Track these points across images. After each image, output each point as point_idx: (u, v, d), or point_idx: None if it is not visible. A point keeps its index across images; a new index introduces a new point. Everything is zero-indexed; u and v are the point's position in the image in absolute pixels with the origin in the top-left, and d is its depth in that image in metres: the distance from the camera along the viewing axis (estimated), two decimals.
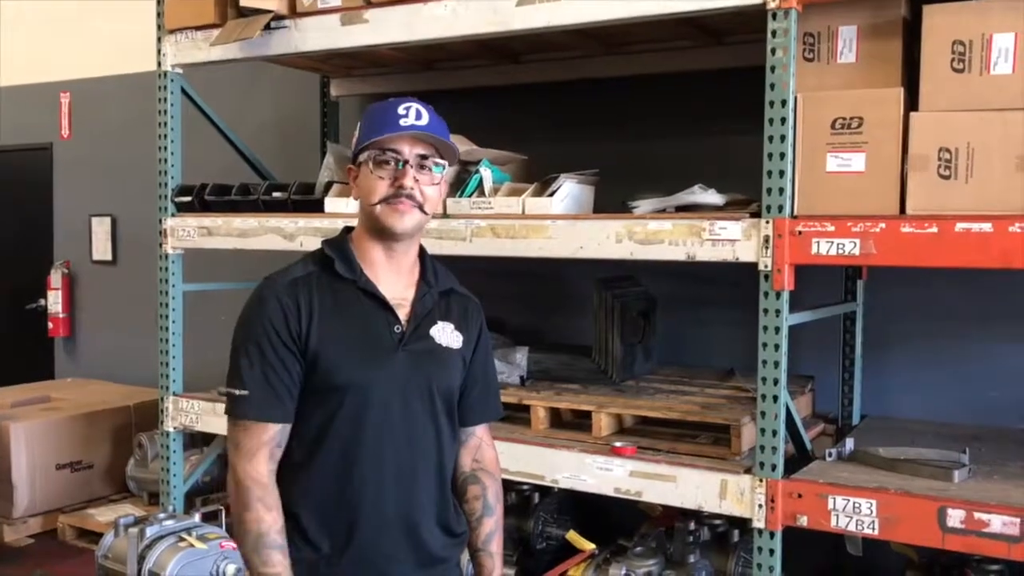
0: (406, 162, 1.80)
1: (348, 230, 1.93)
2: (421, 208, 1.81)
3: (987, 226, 2.29)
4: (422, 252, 1.95)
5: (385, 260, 1.86)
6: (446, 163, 1.86)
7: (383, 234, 1.83)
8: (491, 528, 1.98)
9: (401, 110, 1.82)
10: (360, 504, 1.79)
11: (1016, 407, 3.17)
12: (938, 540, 2.36)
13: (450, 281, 1.96)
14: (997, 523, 2.28)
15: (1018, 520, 2.26)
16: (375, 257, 1.86)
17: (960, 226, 2.32)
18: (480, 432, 2.01)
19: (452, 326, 1.91)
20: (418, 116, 1.82)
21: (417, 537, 1.84)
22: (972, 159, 2.38)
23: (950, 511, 2.33)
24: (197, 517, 3.46)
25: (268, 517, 1.73)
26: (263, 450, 1.76)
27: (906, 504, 2.39)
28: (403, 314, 1.86)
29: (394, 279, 1.87)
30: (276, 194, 3.55)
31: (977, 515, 2.30)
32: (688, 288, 3.70)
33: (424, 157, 1.82)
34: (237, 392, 1.78)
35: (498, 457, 2.05)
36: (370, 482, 1.79)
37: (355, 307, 1.82)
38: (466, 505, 1.99)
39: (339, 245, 1.88)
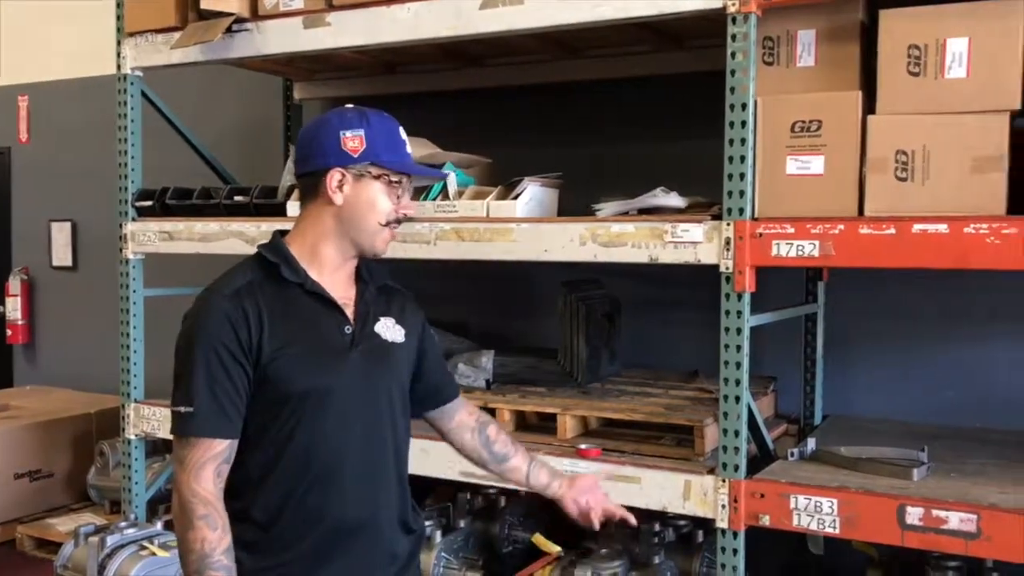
0: (407, 191, 1.89)
1: (281, 233, 1.91)
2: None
3: (943, 227, 2.32)
4: None
5: (338, 266, 1.87)
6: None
7: (360, 250, 1.87)
8: (523, 451, 2.18)
9: (402, 135, 1.89)
10: (323, 509, 1.79)
11: (974, 406, 3.22)
12: (898, 538, 2.39)
13: (384, 276, 1.99)
14: (955, 520, 2.31)
15: (975, 517, 2.30)
16: (329, 263, 1.86)
17: (917, 227, 2.35)
18: (459, 401, 2.14)
19: (393, 320, 1.94)
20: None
21: (381, 537, 1.85)
22: (928, 161, 2.41)
23: (909, 509, 2.36)
24: (159, 525, 3.42)
25: (212, 536, 1.69)
26: (209, 467, 1.72)
27: (866, 503, 2.41)
28: (350, 313, 1.87)
29: (336, 279, 1.89)
30: (238, 198, 3.52)
31: (935, 512, 2.33)
32: (653, 291, 3.72)
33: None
34: (183, 409, 1.73)
35: None
36: (332, 486, 1.79)
37: (305, 311, 1.82)
38: (489, 450, 2.13)
39: (278, 250, 1.87)
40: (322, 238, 1.85)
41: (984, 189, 2.36)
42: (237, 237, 3.41)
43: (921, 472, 2.54)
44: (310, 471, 1.78)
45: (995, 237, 2.27)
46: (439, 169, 3.14)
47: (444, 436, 2.16)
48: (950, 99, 2.40)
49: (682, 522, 3.19)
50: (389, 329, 1.91)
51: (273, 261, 1.84)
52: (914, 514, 2.35)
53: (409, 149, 1.88)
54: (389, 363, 1.88)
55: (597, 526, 2.13)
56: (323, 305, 1.83)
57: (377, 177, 1.82)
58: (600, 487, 2.18)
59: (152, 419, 3.63)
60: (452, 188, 3.10)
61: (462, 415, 2.14)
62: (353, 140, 1.82)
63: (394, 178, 1.83)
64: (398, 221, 1.86)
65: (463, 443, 2.13)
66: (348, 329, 1.84)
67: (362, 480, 1.82)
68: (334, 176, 1.83)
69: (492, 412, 3.13)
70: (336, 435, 1.79)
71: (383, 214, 1.83)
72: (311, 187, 1.86)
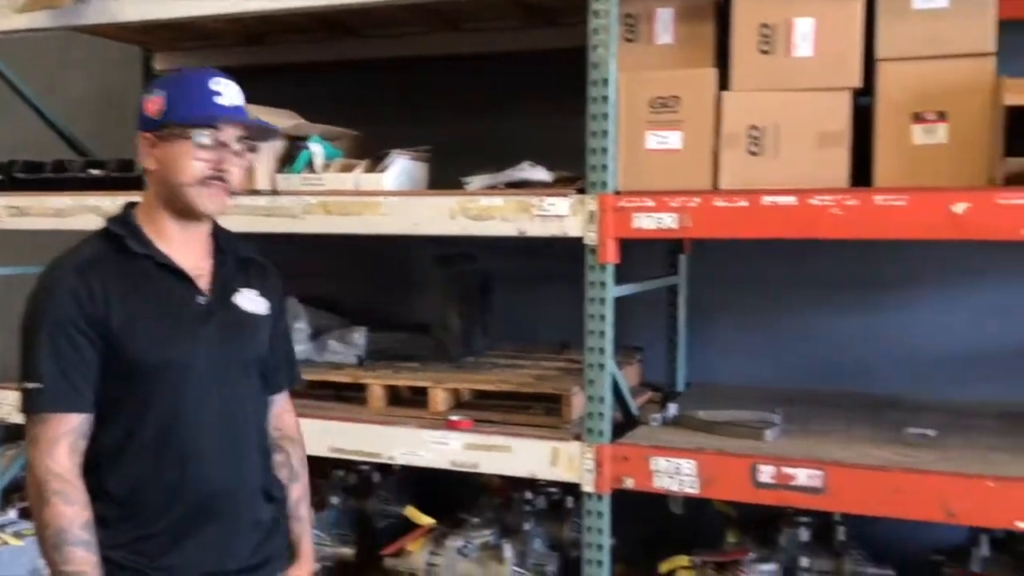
0: (225, 145, 1.77)
1: (131, 205, 1.87)
2: (230, 190, 1.80)
3: (791, 199, 2.44)
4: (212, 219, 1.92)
5: (180, 232, 1.83)
6: (257, 144, 1.86)
7: (190, 214, 1.79)
8: (299, 494, 2.02)
9: (215, 85, 1.78)
10: (182, 481, 1.76)
11: (824, 369, 3.40)
12: (752, 495, 2.51)
13: (245, 248, 1.95)
14: (803, 476, 2.45)
15: (821, 473, 2.43)
16: (171, 231, 1.82)
17: (767, 199, 2.46)
18: (280, 400, 2.04)
19: (256, 292, 1.91)
20: (233, 94, 1.80)
21: (243, 507, 1.84)
22: (778, 136, 2.53)
23: (761, 467, 2.48)
24: (13, 513, 3.27)
25: (69, 511, 1.66)
26: (62, 442, 1.68)
27: (722, 463, 2.53)
28: (204, 284, 1.82)
29: (189, 249, 1.84)
30: (94, 171, 3.38)
31: (785, 470, 2.46)
32: (526, 265, 3.76)
33: (240, 139, 1.80)
34: (31, 386, 1.70)
35: (299, 424, 2.09)
36: (192, 458, 1.77)
37: (155, 284, 1.78)
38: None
39: (125, 221, 1.83)
40: (157, 207, 1.82)
41: (829, 162, 2.49)
42: (93, 212, 3.26)
43: (773, 433, 2.68)
44: (167, 444, 1.75)
45: (839, 208, 2.40)
46: (305, 142, 3.10)
47: None
48: (798, 77, 2.52)
49: (553, 490, 3.27)
50: (251, 301, 1.89)
51: (118, 233, 1.80)
52: (766, 472, 2.47)
53: (225, 100, 1.78)
54: (248, 334, 1.86)
55: None
56: (174, 277, 1.80)
57: (180, 135, 1.77)
58: None
59: (4, 403, 3.45)
60: (319, 161, 3.05)
61: (270, 426, 2.01)
62: (154, 103, 1.80)
63: (195, 133, 1.76)
64: (218, 178, 1.77)
65: None
66: (202, 300, 1.81)
67: (222, 451, 1.80)
68: (142, 142, 1.82)
69: (363, 388, 3.12)
70: (192, 407, 1.76)
71: (191, 172, 1.76)
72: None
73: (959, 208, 2.29)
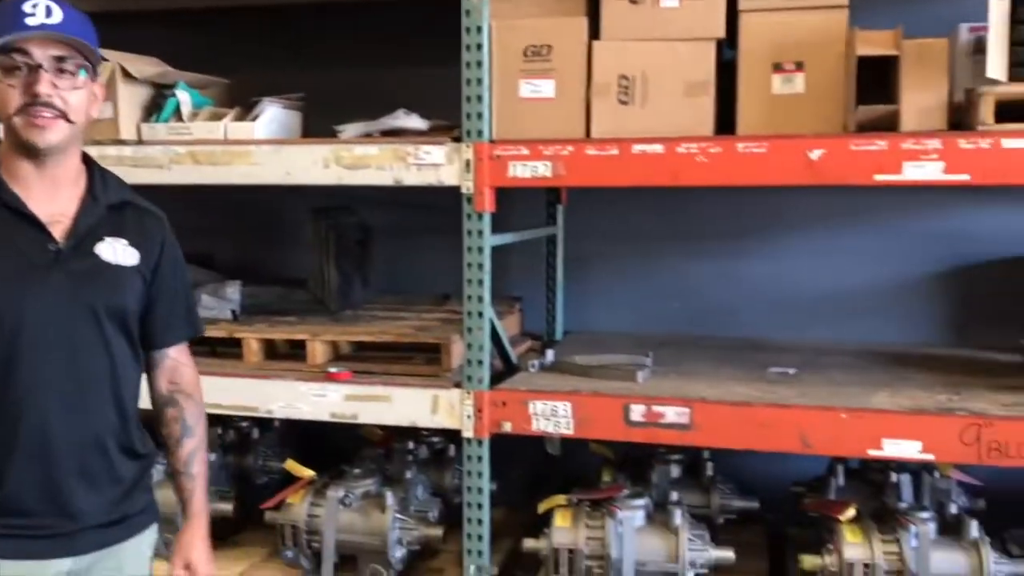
0: (39, 66, 1.66)
1: None
2: (65, 118, 1.69)
3: (658, 147, 2.51)
4: (89, 162, 1.83)
5: (37, 175, 1.74)
6: (91, 64, 1.73)
7: (28, 150, 1.70)
8: (191, 449, 1.97)
9: (28, 7, 1.67)
10: (22, 433, 1.70)
11: (694, 315, 3.54)
12: (624, 434, 2.60)
13: (124, 193, 1.86)
14: (671, 414, 2.55)
15: (688, 410, 2.54)
16: (25, 172, 1.73)
17: (636, 148, 2.52)
18: (174, 353, 1.97)
19: (125, 242, 1.81)
20: (48, 13, 1.67)
21: (95, 463, 1.78)
22: (647, 86, 2.59)
23: (633, 407, 2.57)
24: None
25: None
26: None
27: (596, 404, 2.61)
28: (60, 231, 1.74)
29: (50, 195, 1.75)
30: None
31: (655, 408, 2.56)
32: (406, 217, 3.74)
33: (61, 59, 1.68)
34: None
35: (198, 378, 2.02)
36: (31, 411, 1.70)
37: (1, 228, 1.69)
38: (165, 429, 1.97)
39: None
40: (9, 149, 1.74)
41: (695, 112, 2.57)
42: None
43: (644, 375, 2.78)
44: (3, 393, 1.70)
45: (703, 156, 2.48)
46: (172, 90, 3.00)
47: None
48: (665, 27, 2.58)
49: (436, 439, 3.31)
50: (118, 251, 1.80)
51: None
52: (637, 411, 2.57)
53: (35, 21, 1.66)
54: (105, 285, 1.77)
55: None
56: (24, 221, 1.72)
57: None
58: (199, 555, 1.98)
59: None
60: (186, 109, 2.96)
61: (161, 375, 1.96)
62: None
63: (8, 61, 1.65)
64: (38, 103, 1.66)
65: (151, 402, 1.99)
66: (52, 247, 1.73)
67: (69, 405, 1.73)
68: None
69: (238, 343, 3.07)
70: (32, 357, 1.70)
71: (7, 102, 1.67)
72: None
73: (815, 154, 2.41)
